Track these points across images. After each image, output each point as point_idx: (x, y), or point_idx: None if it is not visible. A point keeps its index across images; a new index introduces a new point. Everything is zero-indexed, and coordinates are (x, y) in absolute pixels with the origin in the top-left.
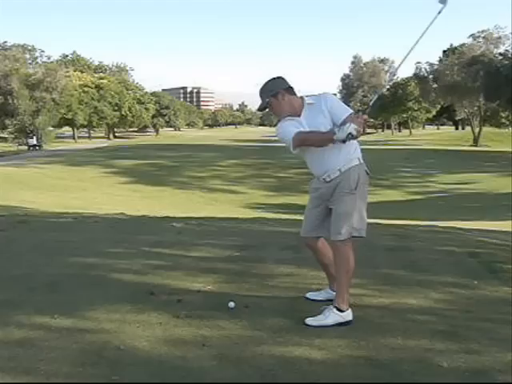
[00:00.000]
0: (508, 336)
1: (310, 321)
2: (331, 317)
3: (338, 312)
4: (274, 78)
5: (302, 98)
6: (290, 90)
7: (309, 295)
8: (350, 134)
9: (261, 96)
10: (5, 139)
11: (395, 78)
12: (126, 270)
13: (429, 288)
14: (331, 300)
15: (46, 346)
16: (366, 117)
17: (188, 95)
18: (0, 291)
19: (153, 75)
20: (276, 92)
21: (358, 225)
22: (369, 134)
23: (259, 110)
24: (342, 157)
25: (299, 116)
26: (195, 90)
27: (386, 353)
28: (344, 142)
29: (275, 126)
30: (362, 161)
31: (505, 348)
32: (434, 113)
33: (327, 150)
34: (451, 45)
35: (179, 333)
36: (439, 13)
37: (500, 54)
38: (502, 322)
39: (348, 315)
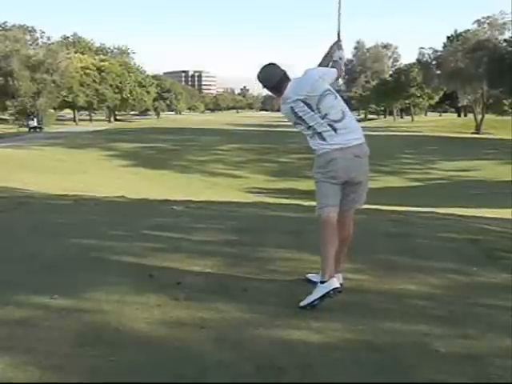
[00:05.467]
0: (505, 322)
1: (302, 303)
2: (318, 291)
3: (322, 284)
4: (269, 67)
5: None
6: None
7: (309, 276)
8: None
9: (275, 86)
10: (5, 121)
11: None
12: (126, 253)
13: (428, 274)
14: None
15: (46, 326)
16: None
17: (190, 79)
18: (0, 272)
19: (154, 58)
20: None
21: (319, 205)
22: (370, 120)
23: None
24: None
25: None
26: (197, 74)
27: (384, 337)
28: None
29: (277, 110)
30: (324, 151)
31: (502, 334)
32: (436, 99)
33: None
34: (455, 31)
35: (178, 315)
36: None
37: (505, 40)
38: (499, 308)
39: (331, 283)
